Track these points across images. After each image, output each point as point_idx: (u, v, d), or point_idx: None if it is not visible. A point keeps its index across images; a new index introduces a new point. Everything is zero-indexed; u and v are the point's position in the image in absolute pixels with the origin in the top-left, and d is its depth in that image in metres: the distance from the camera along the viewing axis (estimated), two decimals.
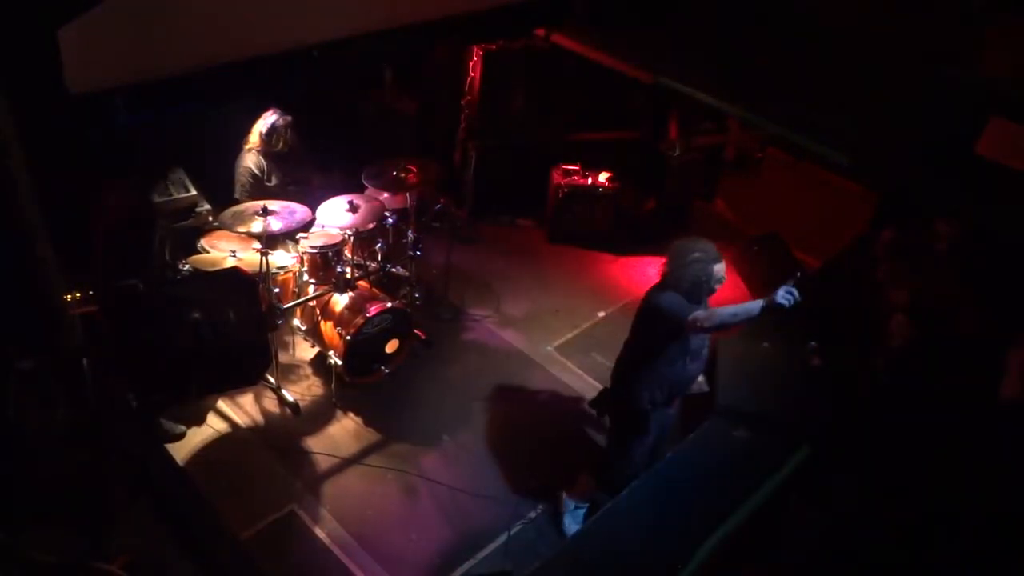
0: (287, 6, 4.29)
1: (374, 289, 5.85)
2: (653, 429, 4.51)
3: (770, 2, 5.32)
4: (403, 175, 5.62)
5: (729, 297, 7.11)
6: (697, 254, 4.04)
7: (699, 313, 4.03)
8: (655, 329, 4.23)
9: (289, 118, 5.65)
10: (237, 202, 5.49)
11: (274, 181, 5.75)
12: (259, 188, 5.65)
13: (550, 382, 6.04)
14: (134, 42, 3.71)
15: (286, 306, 5.42)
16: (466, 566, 4.69)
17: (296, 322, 5.82)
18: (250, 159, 5.67)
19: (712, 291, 4.15)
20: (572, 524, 4.88)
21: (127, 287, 4.72)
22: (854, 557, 4.18)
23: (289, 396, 5.61)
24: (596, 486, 4.86)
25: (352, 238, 5.62)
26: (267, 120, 5.59)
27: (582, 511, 4.91)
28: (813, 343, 5.19)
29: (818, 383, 5.05)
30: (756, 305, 3.99)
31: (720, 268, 4.09)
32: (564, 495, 4.94)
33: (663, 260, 4.19)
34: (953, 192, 4.81)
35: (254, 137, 5.64)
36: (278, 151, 5.70)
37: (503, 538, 4.84)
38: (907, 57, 4.82)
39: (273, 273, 5.30)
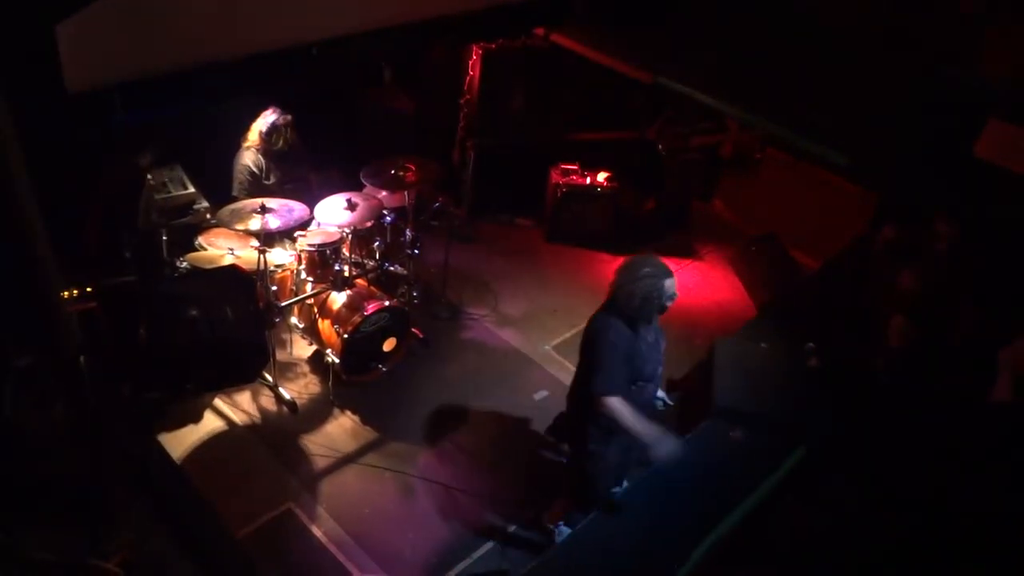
0: (286, 4, 4.29)
1: (372, 287, 5.84)
2: (614, 453, 4.31)
3: (770, 2, 5.32)
4: (402, 174, 5.62)
5: (727, 298, 7.14)
6: (648, 270, 3.92)
7: (614, 401, 3.86)
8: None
9: (289, 117, 5.64)
10: (235, 200, 5.48)
11: (272, 179, 5.74)
12: (257, 186, 5.65)
13: (548, 381, 6.04)
14: (132, 40, 3.70)
15: (284, 304, 5.41)
16: (463, 565, 4.69)
17: (294, 320, 5.82)
18: (248, 157, 5.66)
19: (663, 308, 4.00)
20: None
21: (124, 284, 4.72)
22: (852, 558, 4.18)
23: (286, 394, 5.60)
24: (574, 507, 4.73)
25: (350, 236, 5.62)
26: (267, 119, 5.59)
27: (568, 529, 4.76)
28: (811, 344, 5.19)
29: (816, 384, 5.05)
30: (645, 437, 3.87)
31: (671, 283, 3.96)
32: (546, 519, 4.86)
33: (612, 278, 4.02)
34: (951, 193, 4.81)
35: (253, 135, 5.64)
36: (278, 149, 5.69)
37: (499, 537, 4.84)
38: (907, 57, 4.82)
39: (271, 271, 5.30)
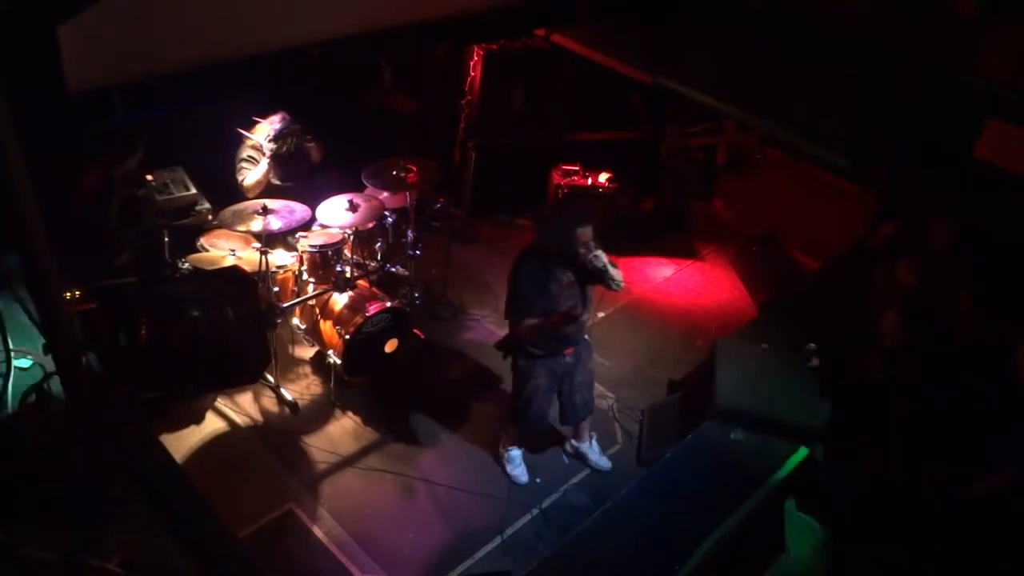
0: (287, 4, 4.29)
1: (373, 288, 5.84)
2: (541, 375, 4.78)
3: (770, 2, 5.32)
4: (403, 174, 5.62)
5: (728, 298, 7.14)
6: (580, 209, 4.59)
7: (524, 324, 4.50)
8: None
9: (297, 127, 5.61)
10: (236, 200, 5.46)
11: (274, 180, 5.73)
12: (257, 167, 5.61)
13: None
14: (133, 40, 3.71)
15: (285, 305, 5.42)
16: (464, 565, 4.70)
17: (295, 321, 5.82)
18: (246, 151, 5.64)
19: (588, 249, 4.37)
20: (513, 469, 5.25)
21: (124, 284, 4.72)
22: (852, 557, 4.18)
23: (288, 395, 5.61)
24: (514, 424, 5.15)
25: (352, 237, 5.63)
26: (274, 125, 5.55)
27: (518, 454, 5.28)
28: (811, 344, 5.19)
29: (817, 384, 5.04)
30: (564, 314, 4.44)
31: (588, 231, 4.37)
32: (501, 445, 5.33)
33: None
34: (952, 194, 4.81)
35: (259, 135, 5.61)
36: (281, 154, 5.68)
37: (500, 538, 4.84)
38: (906, 58, 4.82)
39: (272, 272, 5.31)
